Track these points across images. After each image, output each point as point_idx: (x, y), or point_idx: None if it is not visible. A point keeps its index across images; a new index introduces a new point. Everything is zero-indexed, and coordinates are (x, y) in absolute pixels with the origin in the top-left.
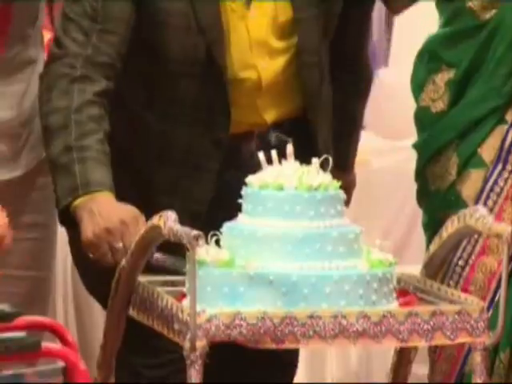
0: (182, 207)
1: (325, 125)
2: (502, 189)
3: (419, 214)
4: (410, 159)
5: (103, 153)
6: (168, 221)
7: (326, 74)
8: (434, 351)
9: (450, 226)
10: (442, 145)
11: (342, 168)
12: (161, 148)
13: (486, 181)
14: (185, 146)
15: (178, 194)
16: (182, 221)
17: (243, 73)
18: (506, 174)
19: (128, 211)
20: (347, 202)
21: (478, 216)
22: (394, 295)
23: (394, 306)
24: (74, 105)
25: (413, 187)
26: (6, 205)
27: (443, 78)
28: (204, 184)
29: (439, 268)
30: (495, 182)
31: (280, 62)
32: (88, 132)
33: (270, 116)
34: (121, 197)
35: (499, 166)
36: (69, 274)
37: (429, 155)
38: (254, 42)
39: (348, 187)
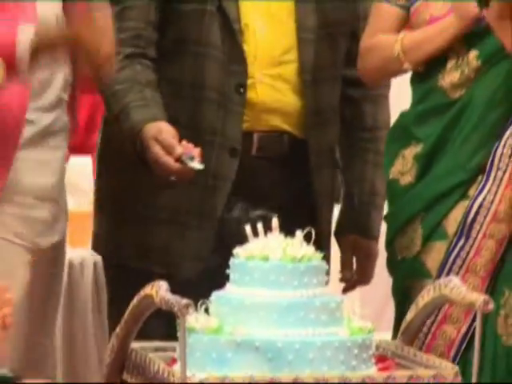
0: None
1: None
2: (463, 261)
3: None
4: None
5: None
6: (160, 290)
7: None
8: None
9: (426, 295)
10: (408, 217)
11: (369, 235)
12: None
13: (449, 253)
14: None
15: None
16: None
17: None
18: (467, 248)
19: None
20: (369, 272)
21: (452, 286)
22: (373, 360)
23: (372, 370)
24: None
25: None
26: (39, 274)
27: (411, 152)
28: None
29: (415, 335)
30: (457, 255)
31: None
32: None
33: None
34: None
35: (462, 240)
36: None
37: (397, 227)
38: None
39: (375, 255)
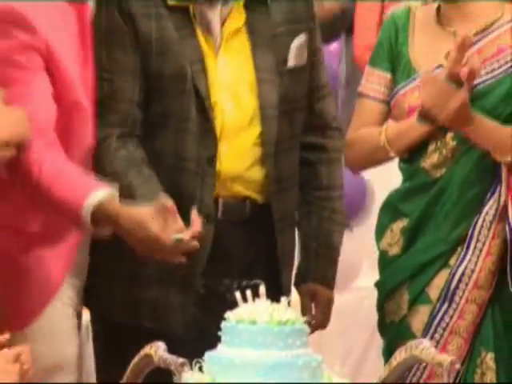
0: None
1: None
2: (447, 324)
3: (372, 343)
4: (364, 297)
5: None
6: (158, 350)
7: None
8: None
9: (399, 356)
10: (396, 284)
11: (326, 285)
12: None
13: (433, 316)
14: None
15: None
16: None
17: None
18: (451, 312)
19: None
20: (327, 317)
21: (422, 347)
22: None
23: None
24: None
25: (364, 321)
26: None
27: (399, 226)
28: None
29: None
30: (442, 318)
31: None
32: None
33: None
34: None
35: (445, 304)
36: None
37: (386, 293)
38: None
39: (332, 302)
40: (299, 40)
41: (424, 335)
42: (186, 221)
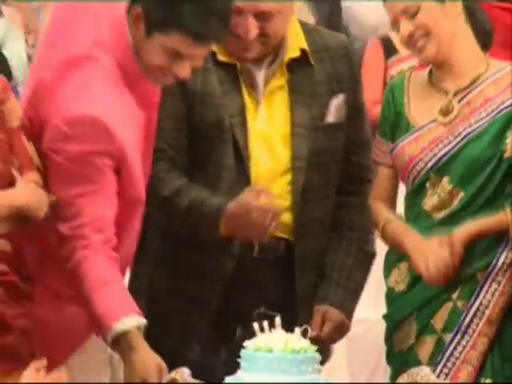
0: None
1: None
2: (460, 354)
3: (377, 373)
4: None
5: None
6: (183, 375)
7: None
8: None
9: (401, 381)
10: (403, 317)
11: (342, 310)
12: None
13: (446, 347)
14: None
15: None
16: None
17: None
18: (463, 343)
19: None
20: (336, 335)
21: (422, 374)
22: None
23: None
24: None
25: (370, 352)
26: None
27: (405, 265)
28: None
29: None
30: (454, 348)
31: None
32: None
33: None
34: None
35: (458, 336)
36: None
37: (394, 325)
38: None
39: (341, 325)
40: (338, 100)
41: (436, 364)
42: (220, 255)
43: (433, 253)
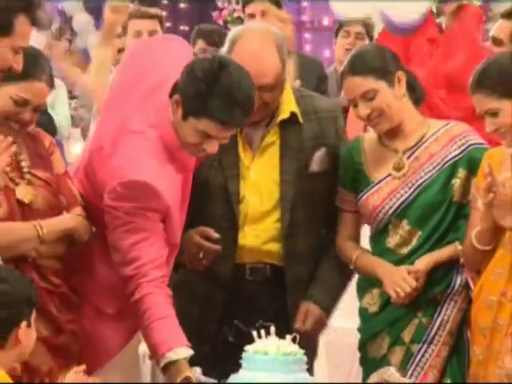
0: None
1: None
2: (427, 360)
3: (350, 376)
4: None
5: None
6: (196, 373)
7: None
8: None
9: (372, 379)
10: (376, 332)
11: (322, 308)
12: None
13: (415, 355)
14: None
15: None
16: None
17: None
18: (430, 351)
19: None
20: (317, 328)
21: (389, 373)
22: None
23: None
24: None
25: (345, 357)
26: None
27: (378, 291)
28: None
29: None
30: (423, 356)
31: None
32: None
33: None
34: None
35: (425, 346)
36: None
37: (367, 337)
38: None
39: (321, 320)
40: (321, 152)
41: (408, 369)
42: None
43: (402, 279)
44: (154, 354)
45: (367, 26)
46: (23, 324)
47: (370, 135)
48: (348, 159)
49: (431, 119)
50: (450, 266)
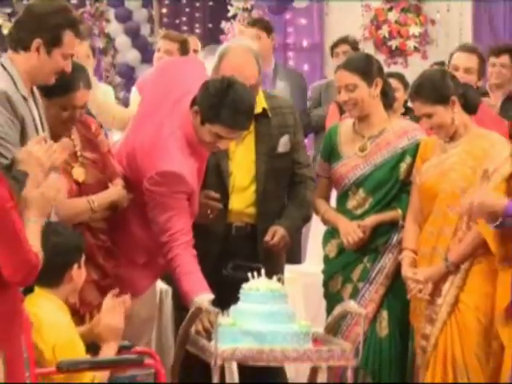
0: None
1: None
2: (368, 296)
3: (321, 307)
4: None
5: None
6: (204, 304)
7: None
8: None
9: (336, 310)
10: (334, 272)
11: (287, 230)
12: None
13: (361, 292)
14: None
15: None
16: None
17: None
18: (371, 289)
19: None
20: (281, 243)
21: (350, 305)
22: (310, 341)
23: (310, 346)
24: None
25: (316, 294)
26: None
27: (336, 242)
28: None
29: (332, 329)
30: (365, 292)
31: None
32: None
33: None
34: None
35: (367, 285)
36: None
37: (328, 277)
38: None
39: (284, 238)
40: (284, 138)
41: (355, 302)
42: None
43: (353, 230)
44: (185, 301)
45: (352, 44)
46: (75, 266)
47: (346, 123)
48: (327, 138)
49: (395, 119)
50: (391, 225)
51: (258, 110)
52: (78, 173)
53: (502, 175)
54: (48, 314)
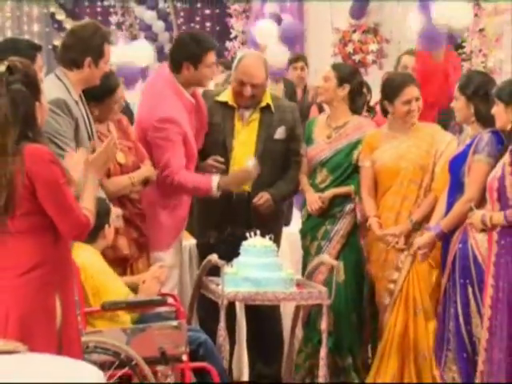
0: None
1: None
2: (328, 252)
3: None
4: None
5: None
6: (213, 257)
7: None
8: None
9: (314, 261)
10: (305, 232)
11: (272, 196)
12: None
13: (322, 248)
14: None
15: None
16: None
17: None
18: (330, 246)
19: None
20: (267, 201)
21: (324, 258)
22: (294, 286)
23: (294, 289)
24: None
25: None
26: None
27: (306, 209)
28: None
29: (310, 276)
30: (325, 249)
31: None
32: None
33: None
34: None
35: (327, 243)
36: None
37: (302, 235)
38: None
39: (268, 200)
40: (281, 129)
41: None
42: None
43: (315, 200)
44: (208, 193)
45: (305, 60)
46: (106, 226)
47: (322, 117)
48: (307, 128)
49: (357, 117)
50: (345, 197)
51: (263, 104)
52: (120, 157)
53: (446, 157)
54: (87, 260)
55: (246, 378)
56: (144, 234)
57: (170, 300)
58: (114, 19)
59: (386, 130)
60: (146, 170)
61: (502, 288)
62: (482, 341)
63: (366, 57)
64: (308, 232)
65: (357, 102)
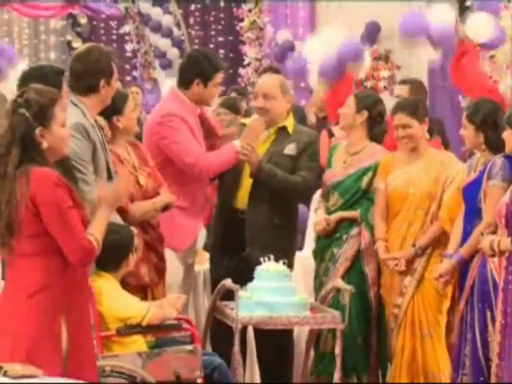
0: None
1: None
2: (333, 274)
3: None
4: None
5: None
6: (227, 283)
7: None
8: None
9: (328, 285)
10: (315, 254)
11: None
12: None
13: (329, 270)
14: None
15: None
16: None
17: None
18: (333, 268)
19: None
20: (255, 162)
21: (338, 283)
22: (308, 310)
23: (308, 313)
24: None
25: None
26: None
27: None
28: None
29: (324, 301)
30: (332, 271)
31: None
32: None
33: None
34: None
35: (333, 266)
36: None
37: (315, 254)
38: None
39: (258, 165)
40: (291, 145)
41: (329, 275)
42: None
43: (320, 223)
44: (236, 158)
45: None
46: (130, 255)
47: (344, 143)
48: (330, 152)
49: (374, 144)
50: (352, 221)
51: (279, 125)
52: (141, 180)
53: (456, 185)
54: (106, 289)
55: None
56: (163, 259)
57: (185, 325)
58: (129, 47)
59: (401, 154)
60: (167, 195)
61: (511, 314)
62: (493, 365)
63: (378, 83)
64: (318, 254)
65: (375, 129)
